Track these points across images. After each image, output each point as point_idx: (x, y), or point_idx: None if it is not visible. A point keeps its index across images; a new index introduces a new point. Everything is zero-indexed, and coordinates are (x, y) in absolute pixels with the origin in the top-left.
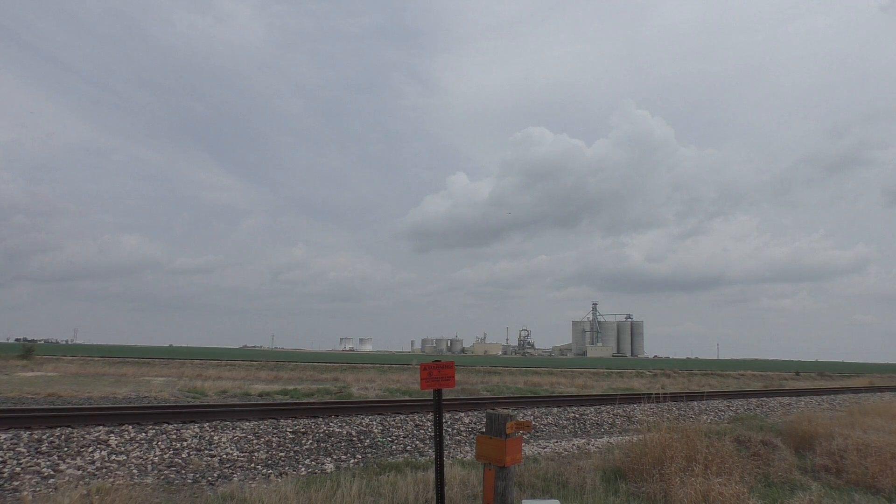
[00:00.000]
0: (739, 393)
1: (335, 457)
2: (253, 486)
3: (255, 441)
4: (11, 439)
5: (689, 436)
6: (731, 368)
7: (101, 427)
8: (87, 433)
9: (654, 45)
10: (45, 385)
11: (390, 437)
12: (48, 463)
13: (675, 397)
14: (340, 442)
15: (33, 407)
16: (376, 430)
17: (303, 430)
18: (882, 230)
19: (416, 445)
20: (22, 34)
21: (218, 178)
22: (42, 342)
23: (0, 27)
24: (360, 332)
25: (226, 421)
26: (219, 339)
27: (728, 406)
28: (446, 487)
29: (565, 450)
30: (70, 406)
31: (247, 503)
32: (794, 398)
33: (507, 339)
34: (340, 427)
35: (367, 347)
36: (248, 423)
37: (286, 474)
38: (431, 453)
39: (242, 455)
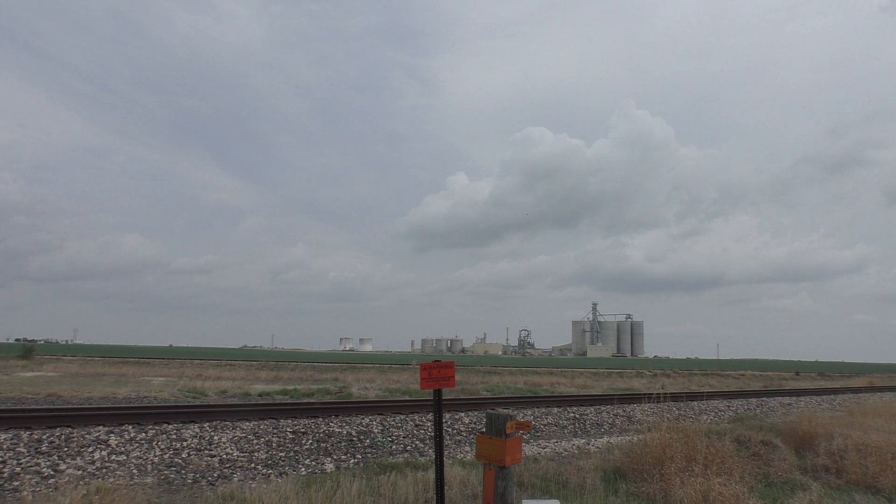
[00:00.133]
0: (739, 393)
1: (335, 457)
2: (253, 486)
3: (255, 441)
4: (11, 439)
5: (689, 436)
6: (731, 368)
7: (101, 427)
8: (87, 433)
9: (654, 45)
10: (45, 385)
11: (390, 437)
12: (48, 463)
13: (675, 397)
14: (340, 442)
15: (33, 407)
16: (376, 430)
17: (303, 430)
18: (882, 230)
19: (416, 445)
20: (22, 34)
21: (218, 178)
22: (42, 342)
23: (0, 27)
24: (360, 332)
25: (226, 421)
26: (219, 339)
27: (728, 406)
28: (446, 487)
29: (565, 450)
30: (70, 406)
31: (247, 503)
32: (794, 398)
33: (507, 339)
34: (340, 427)
35: (367, 347)
36: (248, 423)
37: (286, 474)
38: (431, 453)
39: (242, 455)
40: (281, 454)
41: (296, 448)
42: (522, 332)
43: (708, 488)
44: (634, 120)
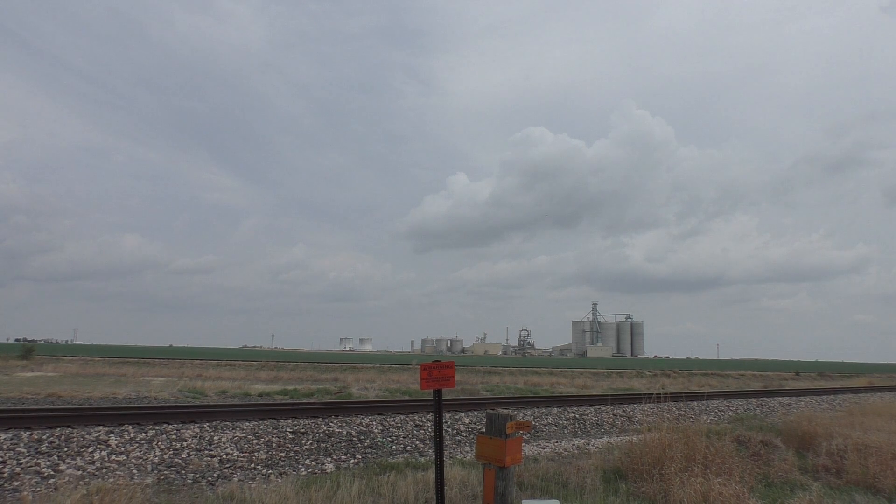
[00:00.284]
0: (739, 393)
1: (335, 457)
2: (253, 486)
3: (255, 441)
4: (11, 439)
5: (689, 436)
6: (731, 368)
7: (101, 427)
8: (87, 433)
9: (654, 45)
10: (45, 385)
11: (390, 437)
12: (48, 463)
13: (675, 397)
14: (340, 442)
15: (33, 407)
16: (376, 431)
17: (303, 431)
18: (882, 230)
19: (416, 445)
20: (22, 34)
21: (218, 178)
22: (42, 342)
23: (0, 27)
24: (360, 332)
25: (226, 421)
26: (219, 339)
27: (728, 406)
28: (446, 487)
29: (565, 450)
30: (70, 406)
31: (247, 503)
32: (794, 398)
33: (507, 340)
34: (340, 427)
35: (367, 347)
36: (248, 424)
37: (286, 474)
38: (431, 453)
39: (242, 455)
40: (281, 454)
41: (296, 448)
42: (522, 333)
43: (708, 488)
44: (634, 120)
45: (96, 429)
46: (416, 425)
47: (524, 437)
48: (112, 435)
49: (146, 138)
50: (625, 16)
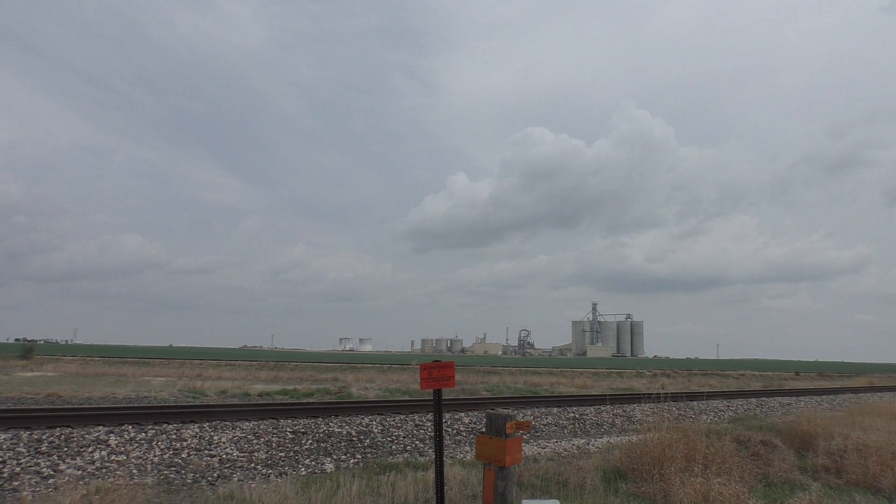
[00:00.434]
0: (739, 393)
1: (335, 457)
2: (253, 486)
3: (254, 441)
4: (11, 439)
5: (689, 436)
6: (731, 368)
7: (100, 427)
8: (87, 433)
9: (654, 45)
10: (45, 385)
11: (390, 437)
12: (48, 463)
13: (675, 397)
14: (340, 442)
15: (33, 407)
16: (376, 430)
17: (303, 430)
18: (882, 230)
19: (416, 445)
20: (22, 34)
21: (218, 178)
22: (42, 342)
23: (0, 27)
24: (360, 332)
25: (225, 421)
26: (219, 339)
27: (728, 406)
28: (446, 487)
29: (565, 450)
30: (70, 406)
31: (247, 503)
32: (793, 398)
33: (507, 339)
34: (340, 427)
35: (367, 347)
36: (247, 423)
37: (286, 474)
38: (431, 453)
39: (242, 455)
40: (281, 454)
41: (296, 448)
42: (522, 332)
43: (708, 488)
44: (634, 120)
45: (96, 429)
46: (416, 425)
47: (524, 436)
48: (112, 435)
49: (146, 138)
50: (625, 16)
